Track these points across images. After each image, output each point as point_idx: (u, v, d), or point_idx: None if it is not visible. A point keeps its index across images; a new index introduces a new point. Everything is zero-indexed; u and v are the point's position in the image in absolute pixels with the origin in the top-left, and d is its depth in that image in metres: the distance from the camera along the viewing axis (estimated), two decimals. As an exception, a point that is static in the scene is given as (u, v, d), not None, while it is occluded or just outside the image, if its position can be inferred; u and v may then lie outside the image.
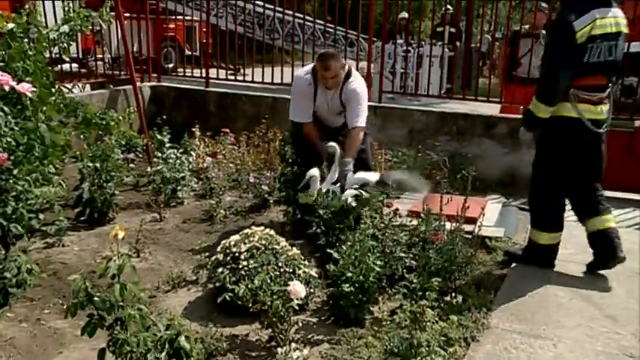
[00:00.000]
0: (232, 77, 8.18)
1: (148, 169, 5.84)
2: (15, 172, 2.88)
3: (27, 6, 4.23)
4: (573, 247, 4.46)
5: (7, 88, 2.89)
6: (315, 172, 4.43)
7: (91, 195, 4.72)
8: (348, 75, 4.55)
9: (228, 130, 6.56)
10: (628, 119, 6.11)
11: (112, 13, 4.93)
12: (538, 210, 4.05)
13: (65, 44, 4.43)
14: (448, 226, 3.92)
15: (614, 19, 3.68)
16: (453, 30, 10.28)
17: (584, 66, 3.68)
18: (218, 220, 4.97)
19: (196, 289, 3.73)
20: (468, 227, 4.05)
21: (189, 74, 8.52)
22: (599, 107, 3.77)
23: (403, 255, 3.76)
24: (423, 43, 9.20)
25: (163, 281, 3.79)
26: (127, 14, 7.64)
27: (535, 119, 3.84)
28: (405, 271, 3.64)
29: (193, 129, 6.47)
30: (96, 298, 2.06)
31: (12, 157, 2.85)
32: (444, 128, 6.41)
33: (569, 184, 3.98)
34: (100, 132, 4.90)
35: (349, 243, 3.58)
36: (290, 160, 4.90)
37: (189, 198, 5.56)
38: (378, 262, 3.41)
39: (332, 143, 4.52)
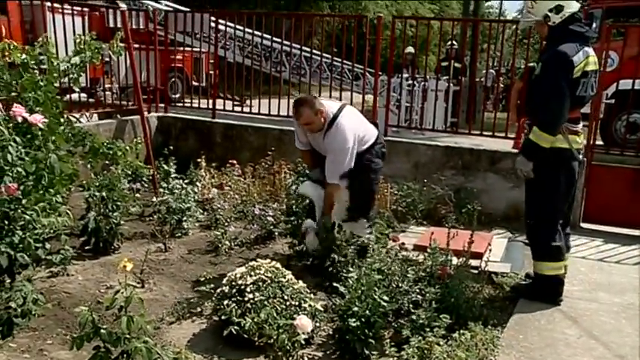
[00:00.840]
0: (239, 108, 8.25)
1: (154, 199, 5.84)
2: (24, 201, 2.90)
3: (40, 38, 4.33)
4: (580, 283, 4.46)
5: (19, 119, 2.92)
6: (309, 223, 4.48)
7: (97, 224, 4.71)
8: (332, 123, 4.39)
9: (234, 162, 6.59)
10: (633, 156, 6.16)
11: (122, 44, 5.03)
12: (540, 240, 4.06)
13: (75, 75, 4.51)
14: (455, 260, 3.92)
15: (594, 57, 3.93)
16: (458, 65, 10.41)
17: (575, 99, 3.86)
18: (223, 252, 4.94)
19: (201, 321, 3.70)
20: (474, 262, 4.06)
21: (196, 105, 8.57)
22: (580, 137, 4.04)
23: (410, 290, 3.74)
24: (428, 77, 9.31)
25: (168, 312, 3.77)
26: (136, 45, 7.76)
27: (537, 149, 3.90)
28: (411, 306, 3.62)
29: (199, 159, 6.48)
30: (103, 331, 2.06)
31: (21, 187, 2.87)
32: (450, 162, 6.43)
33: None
34: (107, 161, 4.94)
35: (355, 277, 3.57)
36: (297, 193, 4.94)
37: (194, 229, 5.56)
38: (385, 297, 3.39)
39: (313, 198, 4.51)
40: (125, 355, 2.15)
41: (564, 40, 3.84)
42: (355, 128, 4.45)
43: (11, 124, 2.98)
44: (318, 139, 4.53)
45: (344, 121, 4.42)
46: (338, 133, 4.37)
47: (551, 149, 3.89)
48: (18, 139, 2.83)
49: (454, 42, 10.59)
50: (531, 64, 7.14)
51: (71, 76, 4.50)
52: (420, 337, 3.13)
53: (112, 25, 8.72)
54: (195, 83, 11.41)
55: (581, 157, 4.09)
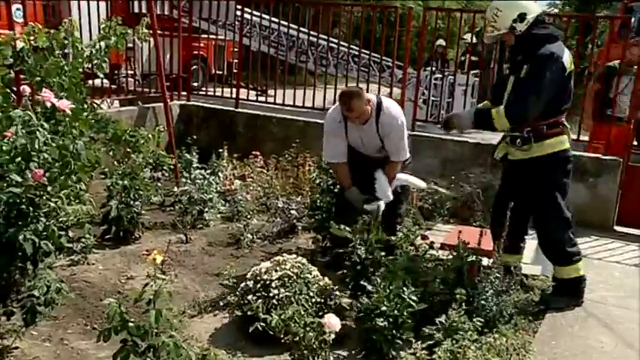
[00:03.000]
0: (262, 99, 8.24)
1: (175, 188, 5.87)
2: (49, 188, 2.90)
3: (65, 21, 4.33)
4: (615, 289, 4.39)
5: (48, 104, 2.92)
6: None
7: (118, 213, 4.70)
8: (380, 106, 4.40)
9: (257, 153, 6.56)
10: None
11: (147, 30, 5.02)
12: (561, 246, 4.03)
13: (100, 60, 4.51)
14: (485, 261, 3.86)
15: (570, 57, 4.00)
16: (474, 59, 10.29)
17: (567, 99, 3.94)
18: (245, 245, 4.94)
19: (223, 315, 3.70)
20: (484, 261, 3.95)
21: (219, 94, 8.57)
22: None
23: (439, 290, 3.69)
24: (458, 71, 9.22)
25: (189, 305, 3.77)
26: (160, 32, 7.76)
27: (487, 126, 4.03)
28: (440, 306, 3.55)
29: (221, 149, 6.48)
30: (131, 324, 2.05)
31: (47, 174, 2.87)
32: (479, 159, 6.33)
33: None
34: (129, 149, 4.95)
35: (383, 275, 3.57)
36: (322, 187, 4.92)
37: (215, 220, 5.56)
38: (413, 297, 3.36)
39: (373, 206, 4.31)
40: (152, 350, 2.14)
41: (547, 41, 3.84)
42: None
43: (39, 110, 2.99)
44: (367, 131, 4.43)
45: (389, 102, 4.50)
46: (391, 111, 4.39)
47: (555, 153, 3.92)
48: (45, 124, 2.84)
49: (468, 36, 10.44)
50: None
51: (95, 61, 4.56)
52: (451, 340, 3.10)
53: (136, 10, 8.77)
54: (217, 72, 11.35)
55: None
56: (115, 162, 5.05)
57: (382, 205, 4.35)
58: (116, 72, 8.42)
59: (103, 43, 4.43)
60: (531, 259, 4.72)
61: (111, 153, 4.95)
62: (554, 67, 3.80)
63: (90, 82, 6.57)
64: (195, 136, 6.78)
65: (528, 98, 3.83)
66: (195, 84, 11.74)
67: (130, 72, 8.70)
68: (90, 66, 4.45)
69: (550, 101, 3.84)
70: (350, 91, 4.39)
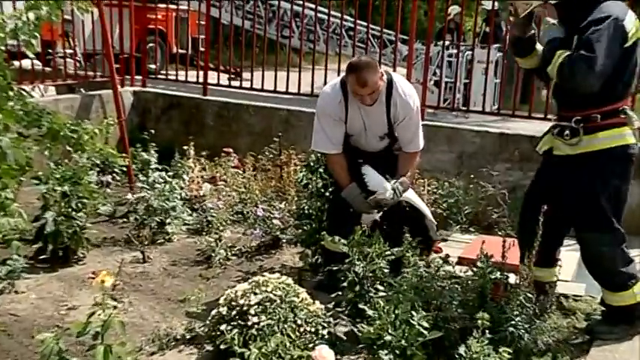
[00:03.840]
0: (236, 83, 8.22)
1: (129, 195, 5.86)
2: (-39, 197, 2.85)
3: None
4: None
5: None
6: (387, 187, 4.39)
7: (56, 227, 4.64)
8: (391, 84, 4.39)
9: (230, 150, 6.59)
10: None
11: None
12: (611, 266, 3.86)
13: (28, 36, 4.45)
14: (512, 278, 3.84)
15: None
16: (487, 30, 10.27)
17: (632, 78, 3.76)
18: (217, 263, 4.93)
19: (190, 351, 3.65)
20: (511, 278, 3.95)
21: (183, 78, 8.51)
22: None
23: (457, 315, 3.65)
24: (477, 45, 9.21)
25: (148, 340, 3.71)
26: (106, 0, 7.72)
27: (521, 51, 3.93)
28: (457, 335, 3.53)
29: (186, 147, 6.44)
30: (72, 364, 2.02)
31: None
32: (504, 153, 6.33)
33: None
34: (69, 148, 4.91)
35: (387, 297, 3.57)
36: (311, 190, 4.92)
37: (180, 234, 5.57)
38: (425, 324, 3.31)
39: (382, 194, 4.33)
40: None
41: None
42: None
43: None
44: (374, 114, 4.42)
45: (400, 79, 4.53)
46: (406, 92, 4.38)
47: (614, 149, 3.70)
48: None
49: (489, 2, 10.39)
50: None
51: (22, 37, 4.49)
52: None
53: (74, -26, 8.71)
54: (180, 51, 11.12)
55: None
56: (52, 163, 4.99)
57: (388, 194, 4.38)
58: (50, 51, 8.25)
59: (31, 14, 4.35)
60: (572, 276, 4.69)
61: (46, 152, 4.90)
62: (613, 33, 3.52)
63: (16, 63, 6.54)
64: (153, 131, 6.83)
65: (587, 71, 3.53)
66: (153, 66, 11.67)
67: (68, 51, 8.63)
68: (15, 43, 4.41)
69: (607, 81, 3.58)
70: (364, 62, 4.30)
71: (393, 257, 4.06)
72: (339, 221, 4.49)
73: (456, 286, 3.94)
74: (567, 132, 3.76)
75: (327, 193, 4.90)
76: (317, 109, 4.62)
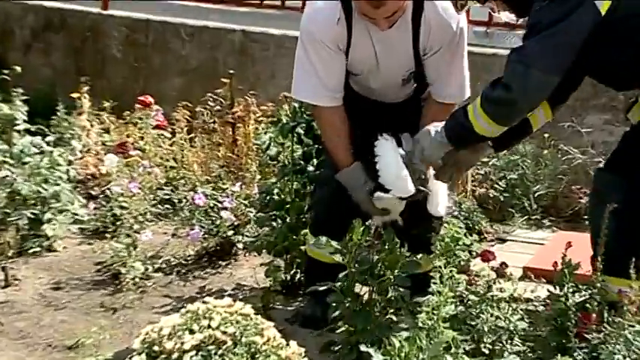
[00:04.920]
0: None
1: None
2: None
3: None
4: None
5: None
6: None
7: None
8: None
9: (150, 99, 6.53)
10: None
11: None
12: None
13: None
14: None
15: None
16: None
17: None
18: (130, 284, 4.89)
19: None
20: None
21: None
22: None
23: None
24: None
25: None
26: None
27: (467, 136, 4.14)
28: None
29: (77, 94, 6.54)
30: None
31: None
32: (600, 97, 6.41)
33: None
34: None
35: (406, 334, 3.42)
36: (283, 163, 4.88)
37: (68, 237, 5.60)
38: (468, 376, 3.27)
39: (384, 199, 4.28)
40: None
41: None
42: None
43: None
44: (393, 42, 4.35)
45: None
46: (445, 8, 4.31)
47: None
48: None
49: None
50: None
51: None
52: None
53: None
54: None
55: None
56: None
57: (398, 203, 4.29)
58: None
59: None
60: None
61: None
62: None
63: None
64: (19, 68, 6.71)
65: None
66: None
67: None
68: None
69: None
70: None
71: (416, 270, 4.02)
72: (331, 213, 4.48)
73: (520, 315, 3.89)
74: None
75: (312, 167, 4.88)
76: (301, 34, 4.49)
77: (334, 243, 3.95)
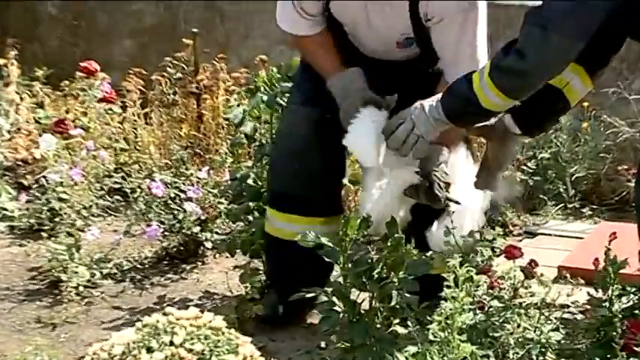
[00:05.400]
0: None
1: None
2: None
3: None
4: None
5: None
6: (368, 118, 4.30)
7: None
8: None
9: (94, 66, 6.51)
10: None
11: None
12: None
13: None
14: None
15: None
16: None
17: None
18: (72, 294, 4.88)
19: None
20: None
21: None
22: None
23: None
24: None
25: None
26: None
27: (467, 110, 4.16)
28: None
29: (1, 60, 6.54)
30: None
31: None
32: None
33: None
34: None
35: (414, 349, 3.44)
36: (260, 142, 4.86)
37: (-4, 237, 5.45)
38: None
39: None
40: None
41: None
42: None
43: None
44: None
45: None
46: None
47: None
48: None
49: None
50: None
51: None
52: None
53: None
54: None
55: None
56: None
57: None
58: None
59: None
60: None
61: None
62: None
63: None
64: None
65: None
66: None
67: None
68: None
69: None
70: None
71: (426, 272, 4.00)
72: (289, 176, 4.57)
73: (554, 324, 3.85)
74: None
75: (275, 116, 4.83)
76: None
77: (324, 240, 3.93)
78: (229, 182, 5.30)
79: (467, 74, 4.03)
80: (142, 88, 6.35)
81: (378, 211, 4.19)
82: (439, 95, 4.12)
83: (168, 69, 6.32)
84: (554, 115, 4.45)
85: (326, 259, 3.93)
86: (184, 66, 6.28)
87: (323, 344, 4.07)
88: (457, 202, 4.19)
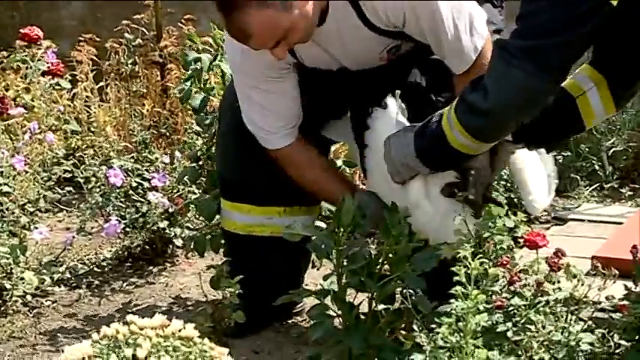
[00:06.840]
0: None
1: None
2: None
3: None
4: None
5: None
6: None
7: None
8: None
9: (37, 33, 6.56)
10: None
11: None
12: None
13: None
14: None
15: None
16: None
17: None
18: (18, 304, 4.99)
19: None
20: None
21: None
22: None
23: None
24: None
25: None
26: None
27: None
28: None
29: None
30: None
31: None
32: None
33: None
34: None
35: (420, 356, 3.58)
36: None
37: None
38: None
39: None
40: None
41: None
42: None
43: None
44: (344, 32, 4.66)
45: None
46: None
47: None
48: None
49: None
50: None
51: None
52: None
53: None
54: None
55: None
56: None
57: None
58: None
59: None
60: None
61: None
62: None
63: None
64: None
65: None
66: None
67: None
68: None
69: None
70: None
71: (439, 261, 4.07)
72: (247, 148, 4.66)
73: (585, 324, 3.91)
74: None
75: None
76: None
77: (307, 232, 4.03)
78: (196, 166, 5.25)
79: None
80: (94, 57, 6.42)
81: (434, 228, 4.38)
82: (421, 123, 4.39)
83: (125, 34, 6.39)
84: (562, 130, 4.71)
85: (290, 255, 4.02)
86: (145, 30, 6.36)
87: (314, 355, 4.10)
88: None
